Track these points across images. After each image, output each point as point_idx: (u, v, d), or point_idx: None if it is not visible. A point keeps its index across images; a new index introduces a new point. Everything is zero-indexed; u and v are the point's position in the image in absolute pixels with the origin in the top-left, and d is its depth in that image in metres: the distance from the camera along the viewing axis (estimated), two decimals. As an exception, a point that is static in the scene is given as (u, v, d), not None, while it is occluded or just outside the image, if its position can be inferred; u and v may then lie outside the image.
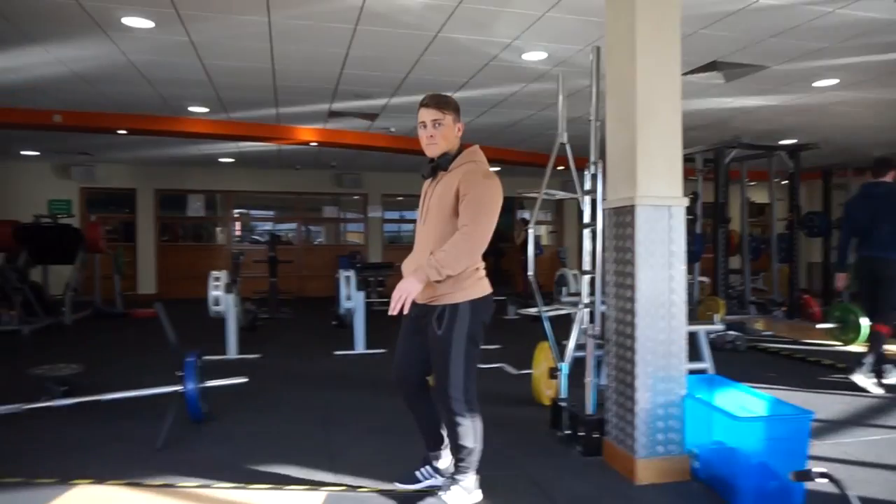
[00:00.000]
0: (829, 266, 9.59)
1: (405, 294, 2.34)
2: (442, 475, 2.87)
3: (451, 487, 2.66)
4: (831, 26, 4.52)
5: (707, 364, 4.86)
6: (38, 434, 3.72)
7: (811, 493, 2.82)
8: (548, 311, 3.99)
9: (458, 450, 2.65)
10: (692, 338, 4.88)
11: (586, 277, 3.75)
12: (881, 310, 5.07)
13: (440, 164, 2.60)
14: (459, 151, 2.63)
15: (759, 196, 12.08)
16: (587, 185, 3.74)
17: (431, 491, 2.84)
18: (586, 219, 3.75)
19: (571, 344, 4.27)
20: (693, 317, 7.50)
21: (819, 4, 4.15)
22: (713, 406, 3.04)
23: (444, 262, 2.37)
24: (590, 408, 3.53)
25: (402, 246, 14.38)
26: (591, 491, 2.97)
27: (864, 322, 6.36)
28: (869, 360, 4.98)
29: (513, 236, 13.05)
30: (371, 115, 7.83)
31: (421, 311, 2.57)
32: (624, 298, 3.22)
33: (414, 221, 13.26)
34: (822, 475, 2.17)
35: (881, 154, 5.55)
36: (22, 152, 10.76)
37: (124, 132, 8.29)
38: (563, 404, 3.68)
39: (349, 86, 6.38)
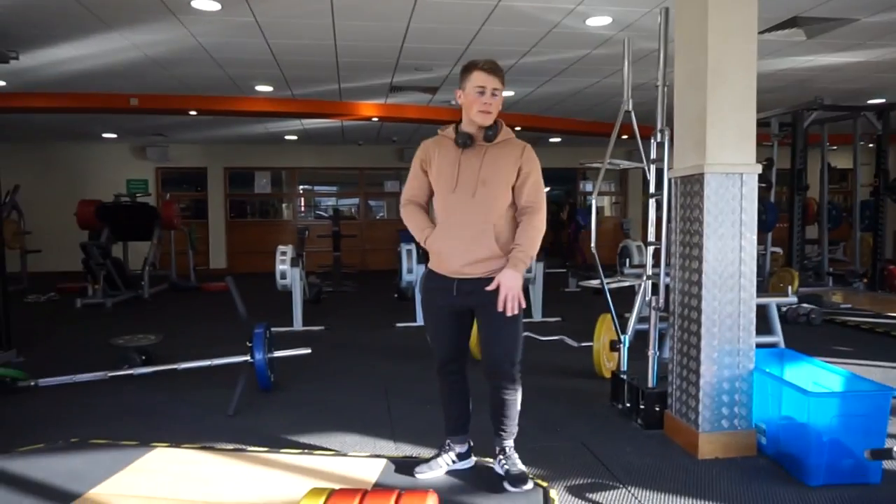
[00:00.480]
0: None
1: (515, 292, 2.44)
2: (463, 461, 2.84)
3: (515, 460, 2.70)
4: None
5: (777, 338, 4.69)
6: (121, 399, 4.00)
7: (889, 472, 2.71)
8: (610, 283, 3.93)
9: (510, 421, 2.70)
10: (762, 311, 4.72)
11: (650, 249, 3.67)
12: None
13: (487, 136, 2.54)
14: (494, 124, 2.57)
15: (842, 161, 11.39)
16: (653, 154, 3.63)
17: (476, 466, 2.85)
18: (651, 189, 3.65)
19: (634, 317, 4.21)
20: (764, 289, 7.21)
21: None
22: (782, 380, 2.94)
23: (531, 249, 2.50)
24: (651, 381, 3.47)
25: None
26: (651, 463, 2.95)
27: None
28: None
29: (572, 208, 12.82)
30: (432, 89, 7.81)
31: (473, 286, 2.53)
32: (690, 270, 3.13)
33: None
34: (900, 453, 2.08)
35: None
36: (103, 135, 11.35)
37: (195, 113, 8.62)
38: (623, 377, 3.64)
39: (410, 59, 6.39)
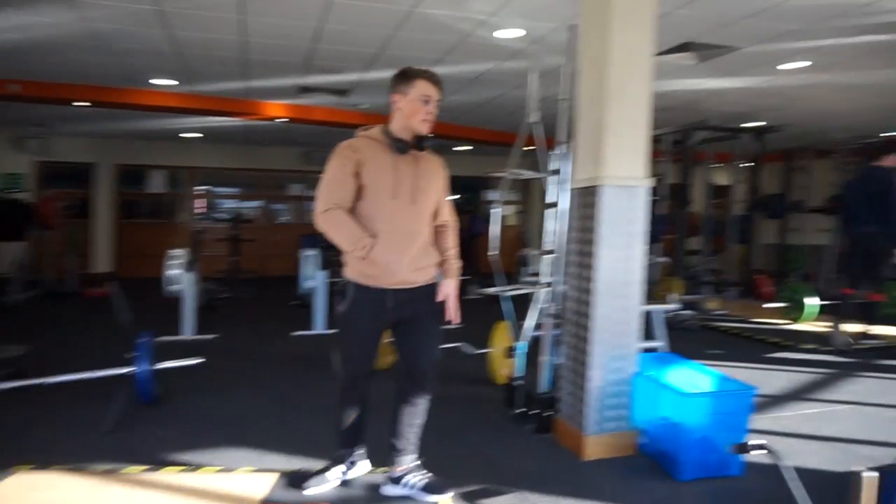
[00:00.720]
0: (783, 247, 9.89)
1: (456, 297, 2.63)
2: (353, 470, 2.79)
3: (432, 480, 2.66)
4: (804, 8, 4.59)
5: (661, 342, 5.01)
6: (-23, 418, 3.60)
7: (749, 465, 2.98)
8: (507, 290, 4.06)
9: (419, 431, 2.74)
10: (648, 317, 5.03)
11: (547, 257, 3.82)
12: (870, 278, 5.82)
13: (420, 145, 2.56)
14: None
15: (722, 178, 12.34)
16: (554, 165, 3.79)
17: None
18: (551, 199, 3.81)
19: (530, 323, 4.35)
20: (651, 296, 7.67)
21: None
22: (661, 383, 3.16)
23: (458, 260, 2.70)
24: (544, 386, 3.62)
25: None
26: (539, 467, 3.07)
27: (810, 301, 6.67)
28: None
29: (470, 215, 13.04)
30: (342, 91, 7.73)
31: (410, 295, 2.53)
32: (583, 278, 3.29)
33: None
34: (759, 447, 2.29)
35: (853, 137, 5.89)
36: (-26, 122, 10.36)
37: (85, 104, 8.03)
38: (517, 383, 3.77)
39: (321, 61, 6.29)
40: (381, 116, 9.64)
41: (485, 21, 5.02)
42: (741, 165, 9.45)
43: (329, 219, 2.44)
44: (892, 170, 5.70)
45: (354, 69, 6.61)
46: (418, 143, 2.55)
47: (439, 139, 11.18)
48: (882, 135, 9.65)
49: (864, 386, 4.61)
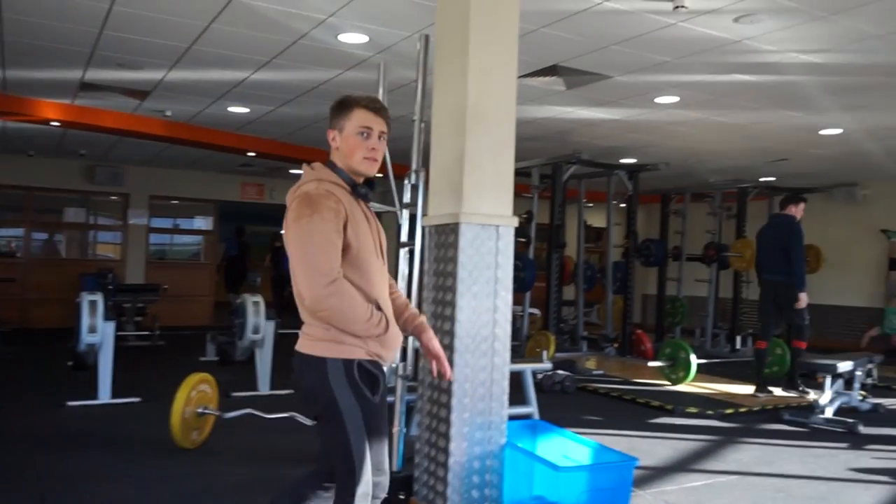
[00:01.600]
0: (663, 298, 10.77)
1: None
2: None
3: None
4: (674, 39, 5.13)
5: (532, 408, 5.20)
6: None
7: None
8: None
9: None
10: (517, 378, 5.20)
11: (399, 306, 3.83)
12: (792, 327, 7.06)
13: (370, 190, 2.49)
14: None
15: (596, 219, 13.29)
16: (406, 198, 3.85)
17: None
18: (404, 237, 3.85)
19: (380, 386, 4.31)
20: (520, 354, 7.99)
21: (662, 15, 4.69)
22: (534, 456, 3.25)
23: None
24: (395, 463, 3.59)
25: (171, 263, 13.63)
26: (394, 564, 3.01)
27: (694, 360, 7.33)
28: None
29: (276, 251, 12.99)
30: (140, 93, 7.36)
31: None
32: (442, 332, 3.33)
33: (188, 231, 12.33)
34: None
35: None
36: None
37: None
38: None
39: (112, 52, 5.95)
40: (192, 127, 9.37)
41: (324, 21, 5.06)
42: (617, 205, 10.23)
43: (339, 291, 2.23)
44: (795, 218, 6.93)
45: (157, 66, 6.34)
46: (370, 187, 2.49)
47: (269, 160, 10.96)
48: (761, 179, 10.98)
49: (749, 454, 5.06)
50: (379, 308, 2.34)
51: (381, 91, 3.97)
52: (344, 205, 2.33)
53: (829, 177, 11.06)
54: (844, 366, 6.18)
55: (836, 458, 5.00)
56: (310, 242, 2.23)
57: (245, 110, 7.93)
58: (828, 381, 6.11)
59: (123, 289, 10.11)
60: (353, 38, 5.38)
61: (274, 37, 5.44)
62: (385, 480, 2.46)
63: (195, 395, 4.69)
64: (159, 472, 4.20)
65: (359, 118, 2.41)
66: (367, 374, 2.33)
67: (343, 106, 2.46)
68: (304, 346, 2.37)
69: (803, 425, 5.93)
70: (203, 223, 13.71)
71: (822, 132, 7.98)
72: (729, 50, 5.29)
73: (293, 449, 4.72)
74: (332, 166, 2.46)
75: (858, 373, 6.49)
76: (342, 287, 2.23)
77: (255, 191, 13.01)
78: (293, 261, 2.28)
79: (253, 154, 9.94)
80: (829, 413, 5.99)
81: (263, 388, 6.53)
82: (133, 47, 5.82)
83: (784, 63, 5.53)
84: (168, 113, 8.27)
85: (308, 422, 4.82)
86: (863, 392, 6.67)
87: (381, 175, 4.19)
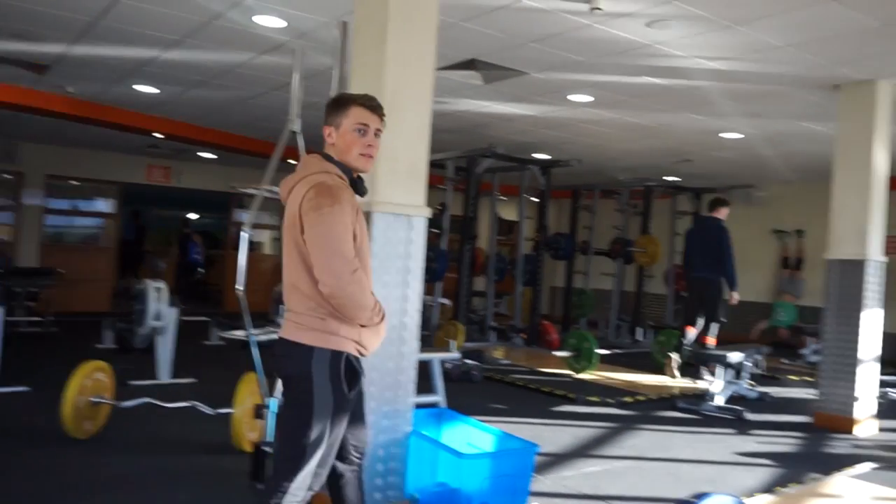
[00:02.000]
0: (570, 290, 11.06)
1: None
2: None
3: None
4: (589, 40, 5.26)
5: (439, 397, 5.26)
6: None
7: (532, 533, 3.25)
8: (258, 334, 3.96)
9: None
10: (425, 367, 5.27)
11: (309, 294, 3.80)
12: (706, 323, 7.49)
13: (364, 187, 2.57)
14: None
15: (509, 213, 13.49)
16: (318, 184, 3.81)
17: None
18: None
19: (287, 374, 4.28)
20: (429, 343, 8.06)
21: (578, 16, 4.80)
22: (438, 443, 3.31)
23: None
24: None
25: (68, 246, 13.00)
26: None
27: (596, 350, 7.60)
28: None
29: (224, 242, 12.75)
30: (39, 67, 6.98)
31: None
32: (350, 320, 3.33)
33: (88, 213, 11.83)
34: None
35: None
36: None
37: None
38: (267, 450, 3.67)
39: (8, 21, 5.62)
40: (94, 105, 8.95)
41: (240, 2, 4.95)
42: (529, 200, 10.42)
43: (359, 280, 2.33)
44: (722, 221, 7.46)
45: (59, 39, 6.03)
46: (361, 183, 2.56)
47: (177, 142, 10.60)
48: (666, 178, 11.42)
49: (645, 440, 5.30)
50: None
51: (296, 77, 3.92)
52: (353, 200, 2.45)
53: (729, 178, 11.60)
54: (734, 356, 6.54)
55: (725, 443, 5.30)
56: (333, 232, 2.30)
57: (154, 90, 7.64)
58: (719, 370, 6.45)
59: (15, 272, 9.60)
60: (269, 20, 5.27)
61: (186, 15, 5.27)
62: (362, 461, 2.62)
63: (89, 383, 4.52)
64: (49, 463, 4.05)
65: (356, 115, 2.48)
66: (350, 369, 2.39)
67: (340, 103, 2.54)
68: (291, 333, 2.39)
69: (695, 412, 6.24)
70: (105, 205, 13.11)
71: (724, 136, 8.36)
72: (641, 53, 5.48)
73: (193, 438, 4.64)
74: (330, 159, 2.51)
75: (747, 363, 6.88)
76: (360, 276, 2.32)
77: (161, 173, 12.53)
78: (313, 248, 2.31)
79: (160, 135, 9.60)
80: (719, 401, 6.32)
81: (164, 376, 6.34)
82: (33, 18, 5.51)
83: (691, 68, 5.77)
84: (70, 89, 7.88)
85: (209, 410, 4.74)
86: (751, 381, 7.07)
87: (294, 162, 4.15)
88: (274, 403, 3.82)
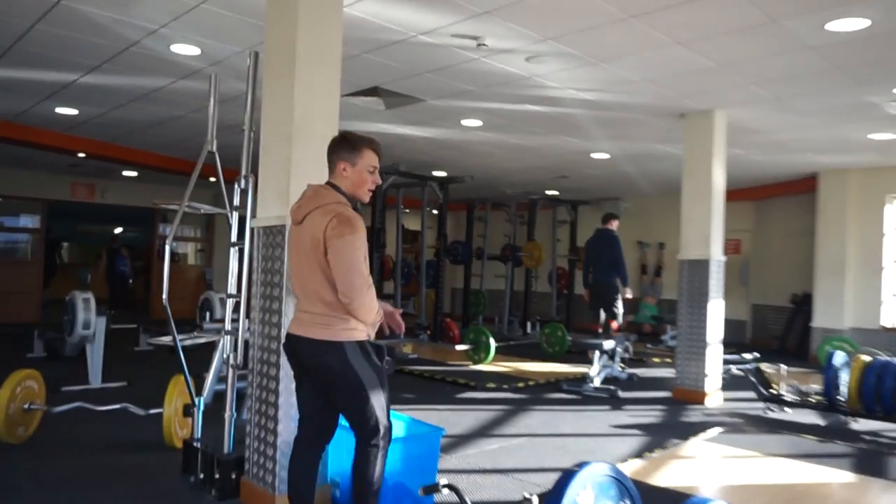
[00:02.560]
0: (468, 291, 11.19)
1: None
2: None
3: None
4: (477, 72, 5.36)
5: (355, 390, 5.20)
6: None
7: (439, 502, 3.26)
8: (183, 339, 3.80)
9: None
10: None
11: (230, 301, 3.70)
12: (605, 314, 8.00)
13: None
14: None
15: (412, 223, 13.52)
16: (236, 201, 3.71)
17: None
18: (233, 237, 3.71)
19: (212, 376, 4.15)
20: (345, 342, 7.95)
21: (467, 50, 4.88)
22: (355, 431, 3.26)
23: None
24: (228, 446, 3.45)
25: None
26: (224, 539, 2.90)
27: (493, 343, 7.71)
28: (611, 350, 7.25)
29: (149, 254, 12.21)
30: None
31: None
32: (270, 324, 3.25)
33: (12, 230, 11.06)
34: (446, 486, 2.51)
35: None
36: None
37: None
38: (197, 445, 3.53)
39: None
40: (16, 126, 8.33)
41: (156, 31, 4.75)
42: (430, 212, 10.48)
43: (371, 292, 2.64)
44: (614, 231, 7.98)
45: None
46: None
47: (101, 161, 10.05)
48: (547, 192, 11.73)
49: (536, 419, 5.42)
50: None
51: (212, 101, 3.79)
52: None
53: (599, 192, 12.06)
54: (608, 344, 6.80)
55: (602, 418, 5.49)
56: (355, 255, 2.57)
57: (74, 112, 7.21)
58: (596, 356, 6.68)
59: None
60: (185, 49, 5.08)
61: (104, 42, 5.01)
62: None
63: (20, 391, 4.21)
64: None
65: (369, 158, 2.74)
66: (372, 346, 2.71)
67: (355, 145, 2.74)
68: (321, 333, 2.63)
69: (578, 393, 6.44)
70: (30, 221, 12.26)
71: (593, 155, 8.68)
72: (522, 84, 5.61)
73: (126, 438, 4.41)
74: (338, 190, 2.72)
75: (619, 349, 7.16)
76: (372, 290, 2.64)
77: (86, 191, 11.81)
78: (337, 268, 2.56)
79: (83, 155, 9.06)
80: (597, 382, 6.54)
81: (95, 381, 5.99)
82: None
83: (564, 98, 5.96)
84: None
85: (140, 411, 4.50)
86: (622, 364, 7.36)
87: (213, 179, 4.02)
88: (201, 402, 3.68)
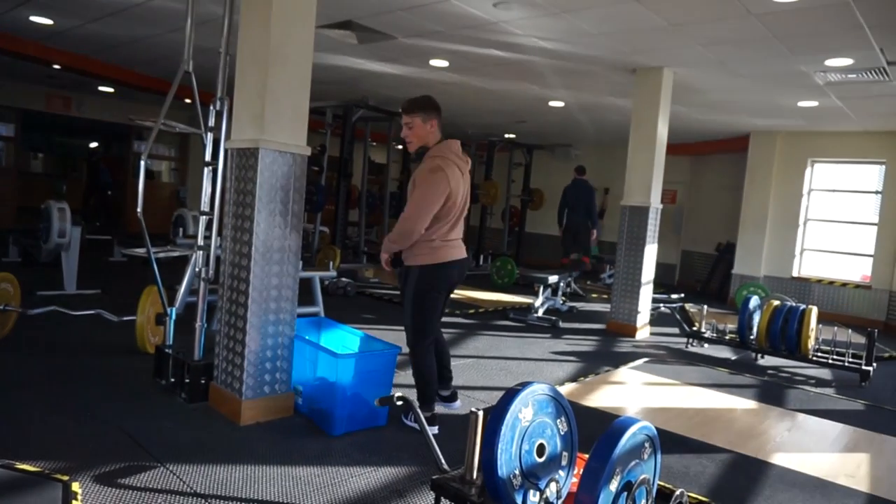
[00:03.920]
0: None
1: (382, 258, 3.30)
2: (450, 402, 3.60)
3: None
4: (447, 13, 5.14)
5: (318, 308, 5.18)
6: None
7: (393, 416, 3.30)
8: (157, 252, 3.69)
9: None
10: (308, 283, 5.15)
11: (203, 219, 3.58)
12: (577, 250, 8.73)
13: (417, 157, 3.23)
14: (438, 142, 3.21)
15: (379, 156, 13.27)
16: (211, 122, 3.54)
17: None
18: (207, 157, 3.56)
19: (184, 288, 4.06)
20: (311, 263, 7.89)
21: (437, -9, 4.68)
22: (318, 346, 3.26)
23: (388, 240, 3.19)
24: (198, 353, 3.41)
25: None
26: (192, 437, 2.90)
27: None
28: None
29: (124, 169, 11.75)
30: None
31: (402, 272, 3.29)
32: (241, 242, 3.17)
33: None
34: (400, 399, 2.54)
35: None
36: None
37: None
38: (168, 351, 3.48)
39: None
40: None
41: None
42: (395, 146, 10.28)
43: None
44: (588, 181, 8.79)
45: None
46: (416, 157, 3.31)
47: (76, 74, 9.45)
48: (506, 135, 11.59)
49: (483, 342, 5.51)
50: None
51: (189, 21, 3.55)
52: None
53: (554, 138, 11.99)
54: (552, 278, 6.89)
55: (543, 345, 5.62)
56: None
57: (48, 21, 6.70)
58: (540, 289, 6.78)
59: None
60: (164, -33, 4.73)
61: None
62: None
63: (-5, 292, 4.05)
64: None
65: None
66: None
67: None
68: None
69: (522, 322, 6.56)
70: (3, 129, 11.57)
71: (550, 103, 8.57)
72: (488, 29, 5.42)
73: (99, 342, 4.31)
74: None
75: (562, 284, 7.28)
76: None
77: (61, 103, 11.14)
78: (413, 200, 3.11)
79: (59, 67, 8.49)
80: (540, 313, 6.67)
81: (70, 287, 5.81)
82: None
83: (527, 45, 5.80)
84: None
85: (114, 318, 4.40)
86: (563, 297, 7.51)
87: (188, 101, 3.81)
88: (173, 311, 3.61)
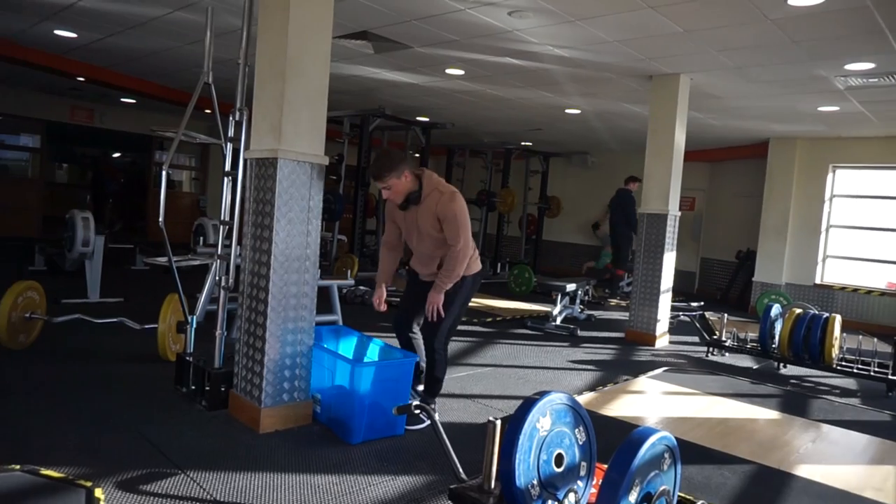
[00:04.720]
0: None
1: (436, 303, 3.38)
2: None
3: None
4: (462, 22, 5.17)
5: (336, 316, 5.21)
6: None
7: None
8: (178, 260, 3.73)
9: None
10: (326, 292, 5.18)
11: (223, 228, 3.62)
12: (617, 260, 9.31)
13: (411, 202, 3.32)
14: (420, 181, 3.30)
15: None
16: (231, 132, 3.59)
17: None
18: (227, 167, 3.60)
19: (204, 297, 4.10)
20: (329, 272, 7.93)
21: (453, 0, 4.70)
22: (336, 354, 3.27)
23: (449, 276, 3.35)
24: (217, 361, 3.44)
25: (-2, 178, 11.67)
26: (212, 444, 2.93)
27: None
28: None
29: (147, 179, 11.93)
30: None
31: (428, 285, 3.44)
32: (260, 251, 3.20)
33: (13, 147, 10.66)
34: (418, 407, 2.54)
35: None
36: None
37: None
38: (189, 359, 3.51)
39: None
40: (17, 45, 7.90)
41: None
42: (412, 155, 10.31)
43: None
44: (632, 192, 8.89)
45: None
46: (408, 203, 3.35)
47: (100, 86, 9.60)
48: (522, 143, 11.60)
49: (501, 351, 5.49)
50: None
51: (208, 33, 3.61)
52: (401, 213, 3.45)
53: (570, 145, 11.95)
54: (570, 286, 6.86)
55: (561, 353, 5.59)
56: (465, 223, 3.30)
57: (72, 35, 6.84)
58: (558, 297, 6.75)
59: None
60: (182, -19, 4.82)
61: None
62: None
63: (22, 300, 4.12)
64: None
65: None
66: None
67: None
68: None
69: (540, 330, 6.53)
70: (30, 141, 11.81)
71: (567, 111, 8.56)
72: (503, 37, 5.44)
73: (122, 350, 4.37)
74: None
75: (580, 292, 7.24)
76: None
77: (84, 114, 11.35)
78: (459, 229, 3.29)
79: (82, 79, 8.66)
80: (558, 321, 6.64)
81: (93, 296, 5.90)
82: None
83: (542, 53, 5.80)
84: (-9, 27, 6.92)
85: (136, 325, 4.45)
86: (581, 305, 7.46)
87: (208, 111, 3.87)
88: (193, 320, 3.65)
